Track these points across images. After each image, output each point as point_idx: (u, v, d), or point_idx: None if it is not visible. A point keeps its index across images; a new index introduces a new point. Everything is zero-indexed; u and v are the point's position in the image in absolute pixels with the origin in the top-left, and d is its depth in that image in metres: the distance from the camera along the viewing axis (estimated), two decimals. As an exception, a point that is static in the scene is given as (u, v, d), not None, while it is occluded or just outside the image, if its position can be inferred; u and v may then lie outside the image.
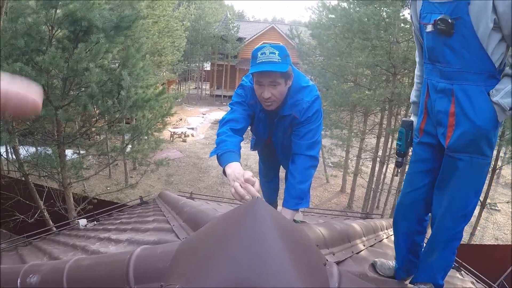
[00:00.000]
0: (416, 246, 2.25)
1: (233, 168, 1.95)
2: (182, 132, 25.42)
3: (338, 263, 1.99)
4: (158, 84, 16.11)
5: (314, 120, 2.45)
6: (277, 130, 2.66)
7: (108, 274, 1.49)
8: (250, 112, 2.55)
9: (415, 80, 2.33)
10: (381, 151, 13.56)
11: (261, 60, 2.21)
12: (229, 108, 2.54)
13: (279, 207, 2.67)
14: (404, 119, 2.37)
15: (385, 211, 14.67)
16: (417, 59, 2.28)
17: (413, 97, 2.35)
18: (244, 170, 1.83)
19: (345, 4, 13.75)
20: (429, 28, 1.89)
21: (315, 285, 1.04)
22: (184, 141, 24.63)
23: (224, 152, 2.09)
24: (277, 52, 2.21)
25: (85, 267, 1.65)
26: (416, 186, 2.14)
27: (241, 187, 1.71)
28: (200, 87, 43.57)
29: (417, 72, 2.30)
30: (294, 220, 2.81)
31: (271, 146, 2.92)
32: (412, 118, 2.35)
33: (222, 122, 2.41)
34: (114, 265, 1.48)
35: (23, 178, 8.64)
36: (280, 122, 2.57)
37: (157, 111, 9.60)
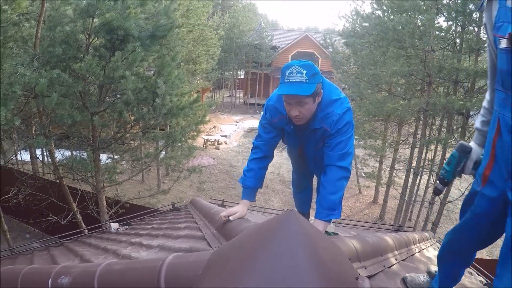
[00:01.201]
0: (458, 277, 2.09)
1: (239, 206, 2.52)
2: (215, 140, 25.51)
3: (369, 277, 1.95)
4: (192, 92, 16.32)
5: (344, 131, 2.43)
6: (309, 142, 2.70)
7: (139, 280, 1.50)
8: (275, 132, 2.71)
9: (483, 104, 1.87)
10: (415, 162, 13.26)
11: (288, 80, 2.25)
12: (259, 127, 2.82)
13: (312, 218, 2.64)
14: (462, 142, 1.93)
15: (418, 223, 14.32)
16: (487, 81, 1.80)
17: (477, 123, 1.91)
18: (239, 210, 2.44)
19: (379, 12, 13.61)
20: (503, 43, 1.36)
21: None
22: (217, 148, 24.74)
23: (244, 188, 2.67)
24: (304, 72, 2.22)
25: (116, 271, 1.67)
26: (472, 238, 1.81)
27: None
28: (234, 95, 43.76)
29: (487, 96, 1.84)
30: (326, 232, 2.78)
31: (303, 155, 2.92)
32: (471, 144, 1.92)
33: (252, 147, 2.76)
34: (146, 271, 1.49)
35: (58, 181, 8.83)
36: (311, 135, 2.60)
37: (191, 119, 9.71)
